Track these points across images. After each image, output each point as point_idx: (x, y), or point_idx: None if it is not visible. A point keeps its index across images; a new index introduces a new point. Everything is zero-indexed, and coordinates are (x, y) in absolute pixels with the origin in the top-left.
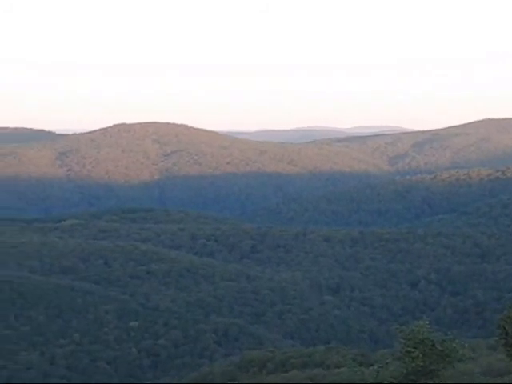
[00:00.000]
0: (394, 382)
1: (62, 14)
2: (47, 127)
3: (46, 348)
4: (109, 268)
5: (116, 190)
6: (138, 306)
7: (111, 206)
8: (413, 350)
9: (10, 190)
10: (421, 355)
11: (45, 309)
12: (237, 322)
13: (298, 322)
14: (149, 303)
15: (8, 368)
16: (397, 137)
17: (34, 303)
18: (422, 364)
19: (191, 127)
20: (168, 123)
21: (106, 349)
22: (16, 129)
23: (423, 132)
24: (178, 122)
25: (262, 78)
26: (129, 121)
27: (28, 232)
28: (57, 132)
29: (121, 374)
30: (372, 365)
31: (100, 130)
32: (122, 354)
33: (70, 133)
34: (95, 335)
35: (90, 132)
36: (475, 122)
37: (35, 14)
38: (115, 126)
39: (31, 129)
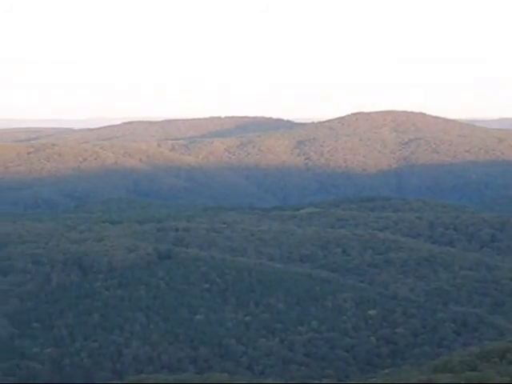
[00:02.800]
0: None
1: None
2: (286, 116)
3: (285, 335)
4: (347, 256)
5: (353, 178)
6: (375, 294)
7: (349, 194)
8: None
9: (249, 178)
10: None
11: (284, 296)
12: (476, 312)
13: None
14: (387, 292)
15: (248, 354)
16: None
17: (273, 291)
18: None
19: (429, 115)
20: (405, 111)
21: (344, 337)
22: (255, 118)
23: None
24: (416, 110)
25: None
26: (366, 109)
27: (267, 220)
28: (295, 121)
29: (359, 361)
30: None
31: (338, 118)
32: (359, 342)
33: (308, 122)
34: (333, 323)
35: (328, 121)
36: None
37: None
38: (353, 114)
39: (270, 118)
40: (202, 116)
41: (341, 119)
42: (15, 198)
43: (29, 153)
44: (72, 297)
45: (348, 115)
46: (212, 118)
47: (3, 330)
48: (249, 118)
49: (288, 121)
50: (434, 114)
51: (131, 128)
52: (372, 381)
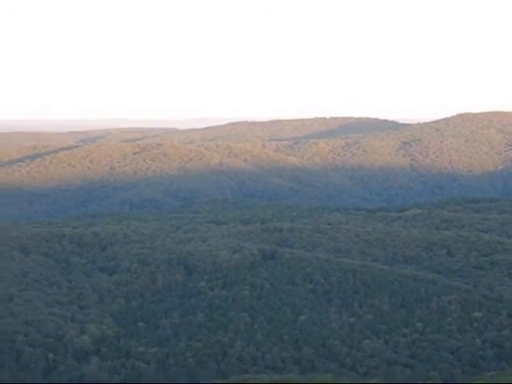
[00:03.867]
0: None
1: None
2: (391, 117)
3: (389, 336)
4: (451, 258)
5: (459, 179)
6: (481, 296)
7: (454, 195)
8: None
9: (354, 179)
10: None
11: (388, 298)
12: None
13: None
14: (492, 294)
15: (352, 355)
16: None
17: (378, 292)
18: None
19: None
20: None
21: (448, 339)
22: (360, 119)
23: None
24: None
25: None
26: (473, 110)
27: (371, 221)
28: (400, 121)
29: (464, 363)
30: None
31: (443, 119)
32: (464, 344)
33: (413, 122)
34: (438, 325)
35: (433, 121)
36: None
37: None
38: (459, 115)
39: (375, 119)
40: (306, 117)
41: (446, 120)
42: (121, 198)
43: (135, 153)
44: (177, 296)
45: (454, 116)
46: (317, 119)
47: (109, 329)
48: (353, 118)
49: (393, 121)
50: None
51: (236, 128)
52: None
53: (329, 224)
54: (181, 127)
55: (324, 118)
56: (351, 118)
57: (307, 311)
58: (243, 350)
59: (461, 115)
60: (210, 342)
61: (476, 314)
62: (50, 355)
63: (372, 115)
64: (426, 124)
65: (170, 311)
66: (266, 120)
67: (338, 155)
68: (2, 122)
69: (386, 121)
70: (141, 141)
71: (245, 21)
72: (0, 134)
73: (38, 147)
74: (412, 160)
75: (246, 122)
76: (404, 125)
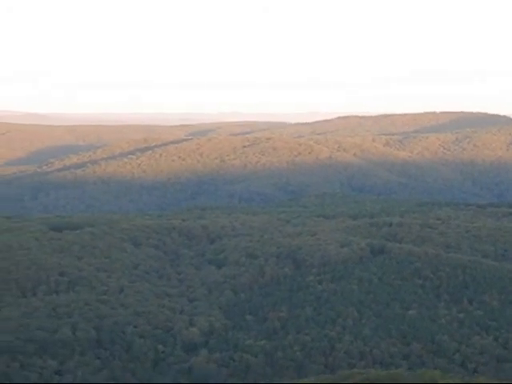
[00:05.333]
0: None
1: None
2: (502, 112)
3: (499, 333)
4: None
5: None
6: None
7: None
8: None
9: (464, 174)
10: None
11: (498, 294)
12: None
13: None
14: None
15: (461, 351)
16: None
17: (487, 288)
18: None
19: None
20: None
21: None
22: (470, 113)
23: None
24: None
25: None
26: None
27: (482, 216)
28: (511, 116)
29: None
30: None
31: None
32: None
33: None
34: None
35: None
36: None
37: None
38: None
39: (486, 113)
40: (416, 111)
41: None
42: (230, 191)
43: (244, 146)
44: (285, 290)
45: None
46: (427, 114)
47: (217, 321)
48: (464, 113)
49: (504, 116)
50: None
51: (346, 122)
52: None
53: (438, 219)
54: (291, 121)
55: (434, 113)
56: (462, 112)
57: (416, 306)
58: (351, 344)
59: None
60: (318, 336)
61: None
62: (160, 346)
63: (482, 110)
64: None
65: (278, 304)
66: (376, 114)
67: (449, 150)
68: (114, 115)
69: (497, 115)
70: (250, 134)
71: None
72: (111, 126)
73: (148, 140)
74: None
75: (356, 117)
76: None
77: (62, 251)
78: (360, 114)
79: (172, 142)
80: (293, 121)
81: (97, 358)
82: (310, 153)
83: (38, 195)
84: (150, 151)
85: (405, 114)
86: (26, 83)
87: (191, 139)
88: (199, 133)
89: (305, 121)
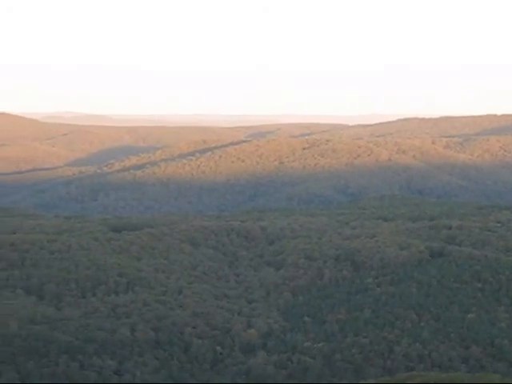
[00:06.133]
0: None
1: None
2: None
3: None
4: None
5: None
6: None
7: None
8: None
9: None
10: None
11: None
12: None
13: None
14: None
15: None
16: None
17: None
18: None
19: None
20: None
21: None
22: None
23: None
24: None
25: None
26: None
27: None
28: None
29: None
30: None
31: None
32: None
33: None
34: None
35: None
36: None
37: None
38: None
39: None
40: (477, 113)
41: None
42: (289, 193)
43: (303, 148)
44: (343, 292)
45: None
46: (488, 116)
47: (276, 323)
48: None
49: None
50: None
51: (405, 125)
52: None
53: (498, 222)
54: (350, 123)
55: (495, 115)
56: None
57: (475, 309)
58: (409, 347)
59: None
60: (377, 339)
61: None
62: (218, 348)
63: None
64: None
65: (337, 307)
66: (436, 117)
67: (509, 152)
68: (173, 117)
69: None
70: (309, 136)
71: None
72: (171, 128)
73: (207, 141)
74: None
75: (415, 119)
76: None
77: (121, 252)
78: (420, 116)
79: (231, 144)
80: (352, 123)
81: (155, 359)
82: (369, 155)
83: (98, 196)
84: (210, 152)
85: (465, 117)
86: (86, 84)
87: (250, 141)
88: (258, 134)
89: (364, 123)
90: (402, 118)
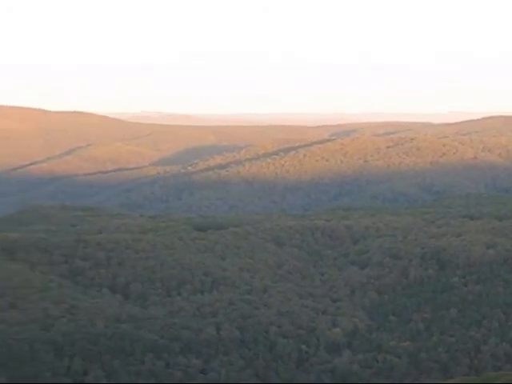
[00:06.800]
0: None
1: None
2: None
3: None
4: None
5: None
6: None
7: None
8: None
9: None
10: None
11: None
12: None
13: None
14: None
15: None
16: None
17: None
18: None
19: None
20: None
21: None
22: None
23: None
24: None
25: None
26: None
27: None
28: None
29: None
30: None
31: None
32: None
33: None
34: None
35: None
36: None
37: None
38: None
39: None
40: None
41: None
42: (374, 192)
43: (388, 147)
44: (429, 291)
45: None
46: None
47: (361, 322)
48: None
49: None
50: None
51: (491, 123)
52: None
53: None
54: (435, 121)
55: None
56: None
57: None
58: (496, 346)
59: None
60: (463, 338)
61: None
62: (303, 347)
63: None
64: None
65: (422, 306)
66: None
67: None
68: (254, 116)
69: None
70: (394, 134)
71: None
72: (254, 127)
73: (291, 140)
74: None
75: (501, 117)
76: None
77: (206, 251)
78: (505, 114)
79: (315, 143)
80: (437, 121)
81: (241, 358)
82: (454, 153)
83: (183, 195)
84: (294, 151)
85: None
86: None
87: (335, 139)
88: (342, 133)
89: (450, 121)
90: (486, 116)
